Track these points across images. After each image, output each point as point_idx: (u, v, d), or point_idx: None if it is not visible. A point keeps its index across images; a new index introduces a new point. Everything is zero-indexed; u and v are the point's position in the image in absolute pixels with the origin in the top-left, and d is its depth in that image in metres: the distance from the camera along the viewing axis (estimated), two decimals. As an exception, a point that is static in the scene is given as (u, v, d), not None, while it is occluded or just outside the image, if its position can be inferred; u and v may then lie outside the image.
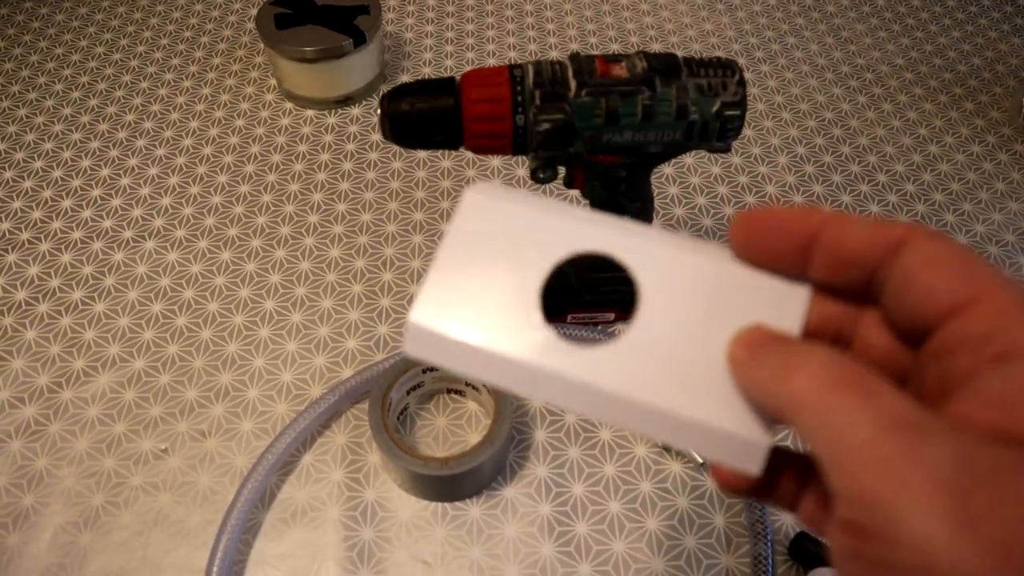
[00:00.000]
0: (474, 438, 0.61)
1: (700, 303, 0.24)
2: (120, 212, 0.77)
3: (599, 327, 0.66)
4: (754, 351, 0.23)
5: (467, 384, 0.61)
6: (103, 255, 0.73)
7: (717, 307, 0.24)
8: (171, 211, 0.77)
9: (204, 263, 0.72)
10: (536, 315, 0.26)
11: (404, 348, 0.27)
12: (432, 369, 0.60)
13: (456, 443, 0.61)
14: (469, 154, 0.82)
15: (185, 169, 0.80)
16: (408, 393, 0.61)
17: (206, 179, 0.79)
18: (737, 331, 0.24)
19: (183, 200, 0.77)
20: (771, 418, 0.22)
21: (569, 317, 0.67)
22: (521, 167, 0.81)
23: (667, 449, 0.61)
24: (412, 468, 0.54)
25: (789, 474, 0.25)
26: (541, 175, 0.56)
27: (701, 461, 0.59)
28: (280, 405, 0.63)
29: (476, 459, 0.54)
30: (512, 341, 0.25)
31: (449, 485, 0.56)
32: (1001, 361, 0.18)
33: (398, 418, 0.61)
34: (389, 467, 0.57)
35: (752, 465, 0.23)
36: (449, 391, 0.63)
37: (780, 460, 0.25)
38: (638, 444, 0.62)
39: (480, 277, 0.26)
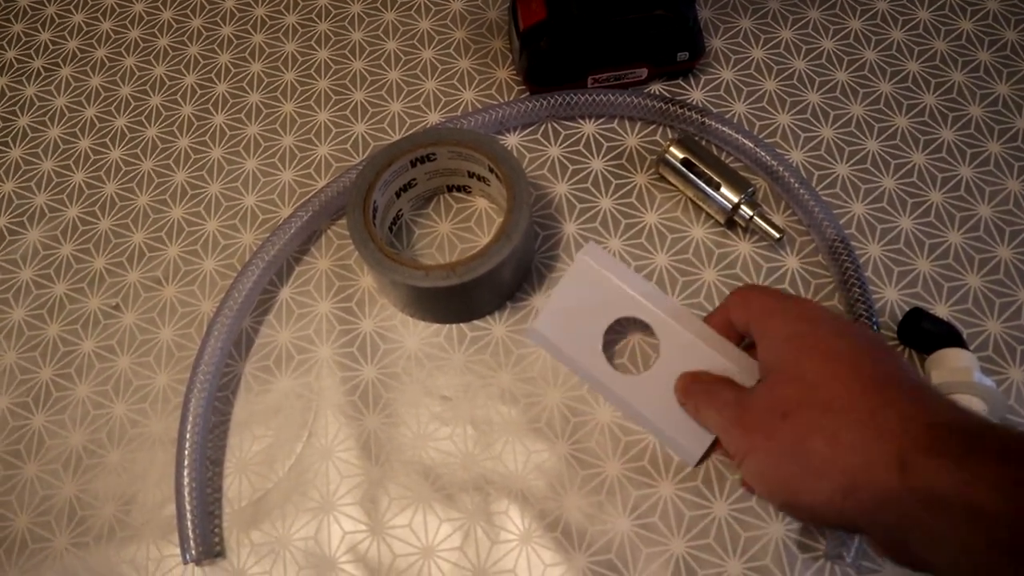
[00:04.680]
0: (488, 240, 0.48)
1: (685, 362, 0.39)
2: (23, 37, 0.62)
3: (629, 89, 0.52)
4: (684, 393, 0.39)
5: (471, 175, 0.48)
6: (11, 91, 0.59)
7: (698, 361, 0.39)
8: (84, 28, 0.62)
9: (134, 83, 0.58)
10: (599, 345, 0.42)
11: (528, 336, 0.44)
12: (424, 160, 0.46)
13: (467, 251, 0.49)
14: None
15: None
16: (398, 196, 0.48)
17: (123, -17, 0.64)
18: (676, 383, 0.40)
19: (98, 12, 0.62)
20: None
21: (589, 80, 0.52)
22: None
23: (731, 225, 0.48)
24: (410, 282, 0.42)
25: None
26: None
27: (777, 236, 0.46)
28: (246, 235, 0.51)
29: (491, 260, 0.42)
30: (585, 355, 0.42)
31: (461, 299, 0.44)
32: (761, 339, 0.35)
33: (391, 229, 0.49)
34: (384, 287, 0.45)
35: (690, 460, 0.39)
36: (450, 189, 0.50)
37: None
38: (695, 226, 0.49)
39: (574, 311, 0.42)
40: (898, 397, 0.30)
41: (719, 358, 0.38)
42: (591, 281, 0.41)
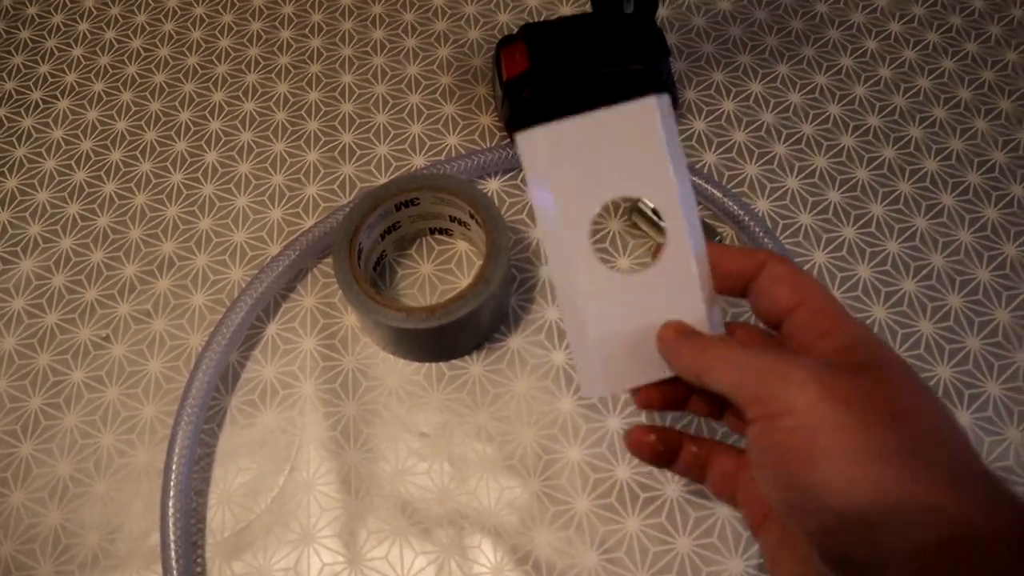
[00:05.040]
0: (467, 283, 0.51)
1: (667, 290, 0.32)
2: (23, 69, 0.64)
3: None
4: (680, 335, 0.32)
5: (452, 219, 0.50)
6: (9, 121, 0.61)
7: (681, 295, 0.32)
8: (83, 62, 0.64)
9: (130, 118, 0.60)
10: (595, 209, 0.32)
11: (520, 147, 0.32)
12: (408, 204, 0.49)
13: (447, 292, 0.51)
14: (431, -46, 0.67)
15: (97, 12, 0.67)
16: (382, 238, 0.50)
17: (121, 21, 0.66)
18: (667, 322, 0.33)
19: (97, 47, 0.64)
20: (690, 378, 0.31)
21: (569, 129, 0.54)
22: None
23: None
24: (392, 323, 0.44)
25: (689, 451, 0.35)
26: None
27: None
28: (235, 271, 0.53)
29: (469, 304, 0.44)
30: (569, 207, 0.32)
31: (440, 340, 0.46)
32: (823, 336, 0.29)
33: (374, 269, 0.51)
34: (368, 326, 0.47)
35: (592, 392, 0.33)
36: (432, 231, 0.52)
37: (678, 441, 0.35)
38: (667, 271, 0.51)
39: (593, 152, 0.32)
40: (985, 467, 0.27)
41: (703, 310, 0.32)
42: (639, 135, 0.32)
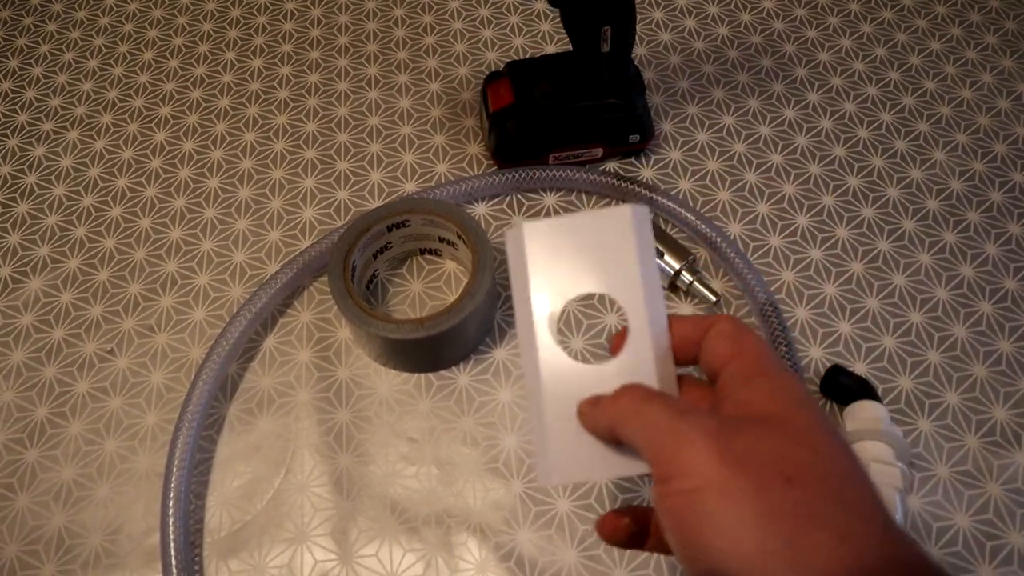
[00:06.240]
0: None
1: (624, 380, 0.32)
2: (35, 103, 0.67)
3: (586, 166, 0.58)
4: (592, 401, 0.32)
5: (441, 240, 0.53)
6: (20, 151, 0.64)
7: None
8: (93, 96, 0.67)
9: (136, 147, 0.64)
10: (567, 299, 0.34)
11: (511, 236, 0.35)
12: (399, 225, 0.52)
13: (436, 307, 0.54)
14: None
15: (107, 46, 0.70)
16: (375, 257, 0.53)
17: (129, 58, 0.70)
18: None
19: (105, 82, 0.68)
20: (610, 437, 0.31)
21: (551, 158, 0.58)
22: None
23: (673, 288, 0.54)
24: (383, 334, 0.46)
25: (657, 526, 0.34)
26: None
27: (714, 299, 0.52)
28: (235, 289, 0.56)
29: (456, 316, 0.47)
30: (543, 310, 0.34)
31: (429, 350, 0.48)
32: (746, 384, 0.30)
33: (367, 287, 0.54)
34: (360, 338, 0.50)
35: (547, 480, 0.33)
36: (423, 251, 0.55)
37: (647, 517, 0.35)
38: (643, 289, 0.54)
39: (569, 249, 0.34)
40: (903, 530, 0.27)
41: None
42: (614, 237, 0.34)
